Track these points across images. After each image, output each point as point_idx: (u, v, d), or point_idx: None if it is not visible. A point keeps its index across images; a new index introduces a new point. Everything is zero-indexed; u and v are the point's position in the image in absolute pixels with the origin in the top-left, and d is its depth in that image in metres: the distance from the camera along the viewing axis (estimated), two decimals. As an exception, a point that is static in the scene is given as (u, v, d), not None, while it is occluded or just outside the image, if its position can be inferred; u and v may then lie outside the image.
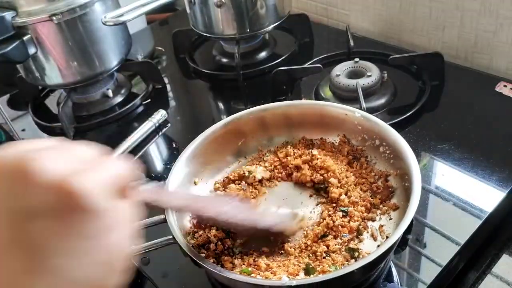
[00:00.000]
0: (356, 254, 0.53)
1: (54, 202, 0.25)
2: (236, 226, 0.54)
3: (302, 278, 0.51)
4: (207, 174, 0.67)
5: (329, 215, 0.58)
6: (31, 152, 0.26)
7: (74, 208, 0.25)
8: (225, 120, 0.69)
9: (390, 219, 0.58)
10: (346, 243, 0.55)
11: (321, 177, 0.63)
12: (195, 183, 0.65)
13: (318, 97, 0.88)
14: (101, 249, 0.27)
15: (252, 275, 0.52)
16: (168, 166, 0.80)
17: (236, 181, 0.66)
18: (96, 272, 0.27)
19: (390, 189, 0.61)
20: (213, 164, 0.68)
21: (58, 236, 0.25)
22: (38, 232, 0.25)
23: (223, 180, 0.67)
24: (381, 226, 0.57)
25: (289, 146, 0.69)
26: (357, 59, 0.88)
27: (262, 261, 0.54)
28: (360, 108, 0.74)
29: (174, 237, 0.53)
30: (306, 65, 0.94)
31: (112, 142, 0.85)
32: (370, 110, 0.77)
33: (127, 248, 0.29)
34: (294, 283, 0.46)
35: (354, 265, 0.47)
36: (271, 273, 0.52)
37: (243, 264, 0.55)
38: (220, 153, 0.69)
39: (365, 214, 0.58)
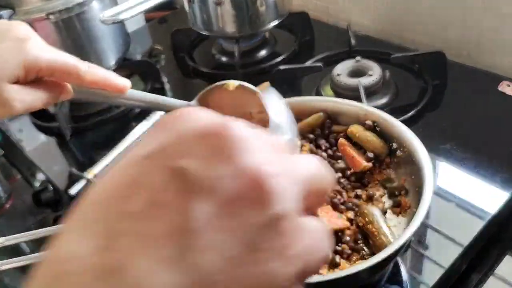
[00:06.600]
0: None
1: (236, 192, 0.19)
2: None
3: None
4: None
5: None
6: (236, 127, 0.20)
7: (257, 209, 0.19)
8: None
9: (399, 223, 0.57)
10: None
11: None
12: None
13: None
14: (262, 273, 0.18)
15: None
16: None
17: None
18: None
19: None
20: None
21: (220, 231, 0.18)
22: (199, 216, 0.18)
23: None
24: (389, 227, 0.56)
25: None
26: (358, 58, 0.87)
27: None
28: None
29: None
30: (306, 64, 0.93)
31: (110, 142, 0.84)
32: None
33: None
34: None
35: (358, 267, 0.47)
36: None
37: None
38: None
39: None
